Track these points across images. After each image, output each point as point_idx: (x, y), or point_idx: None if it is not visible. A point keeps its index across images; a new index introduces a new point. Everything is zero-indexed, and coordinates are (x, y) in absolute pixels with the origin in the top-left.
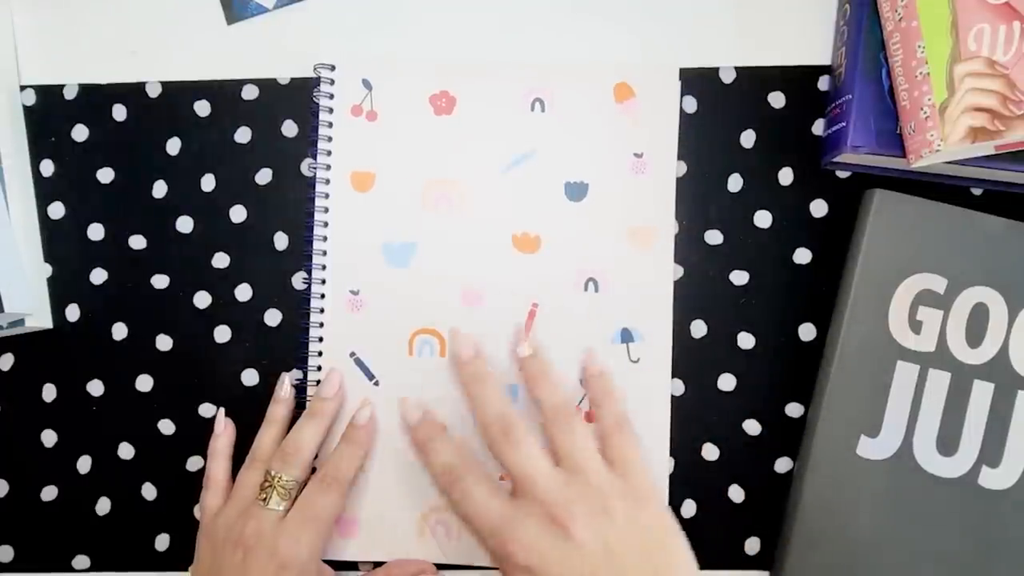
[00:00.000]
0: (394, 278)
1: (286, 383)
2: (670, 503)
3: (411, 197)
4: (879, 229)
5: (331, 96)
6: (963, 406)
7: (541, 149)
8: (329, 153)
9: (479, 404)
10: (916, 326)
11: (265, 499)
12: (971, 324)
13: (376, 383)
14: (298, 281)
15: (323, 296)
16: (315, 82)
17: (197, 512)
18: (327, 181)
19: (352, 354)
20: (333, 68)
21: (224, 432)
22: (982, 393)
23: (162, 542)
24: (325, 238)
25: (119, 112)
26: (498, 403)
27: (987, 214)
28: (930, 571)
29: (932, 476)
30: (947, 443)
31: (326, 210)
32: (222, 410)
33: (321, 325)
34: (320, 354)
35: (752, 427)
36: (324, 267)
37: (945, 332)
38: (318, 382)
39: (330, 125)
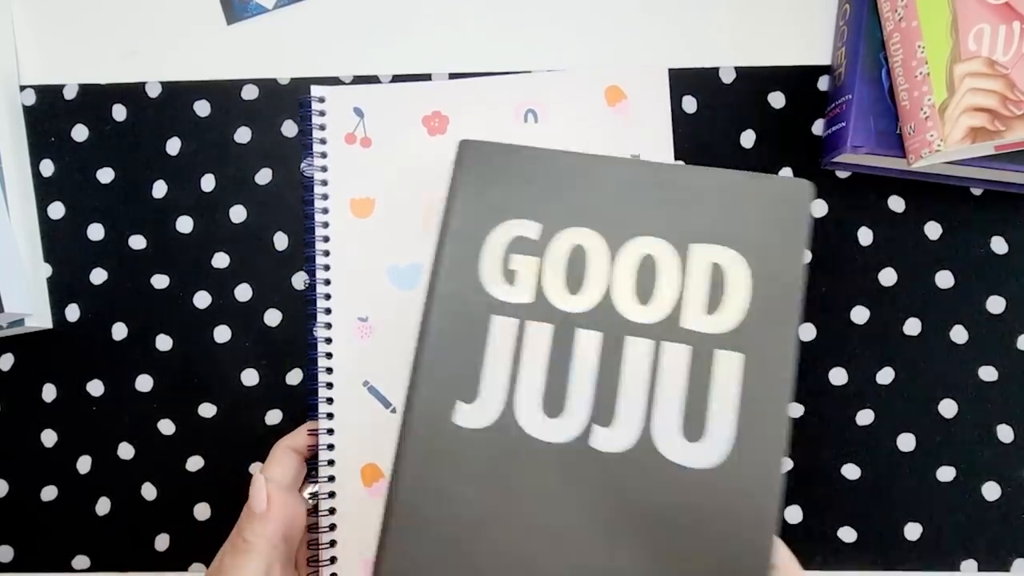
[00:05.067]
0: (403, 301)
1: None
2: None
3: (413, 219)
4: (469, 179)
5: (323, 127)
6: (568, 360)
7: None
8: (325, 183)
9: None
10: (510, 276)
11: None
12: (570, 269)
13: (393, 411)
14: (298, 281)
15: (329, 326)
16: (307, 109)
17: (197, 513)
18: (325, 211)
19: (365, 383)
20: (323, 100)
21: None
22: (588, 343)
23: (162, 542)
24: (328, 267)
25: (119, 112)
26: None
27: (573, 152)
28: (546, 549)
29: (539, 442)
30: (553, 402)
31: (327, 239)
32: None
33: (330, 356)
34: (330, 386)
35: None
36: (328, 296)
37: (542, 280)
38: (330, 415)
39: (324, 155)
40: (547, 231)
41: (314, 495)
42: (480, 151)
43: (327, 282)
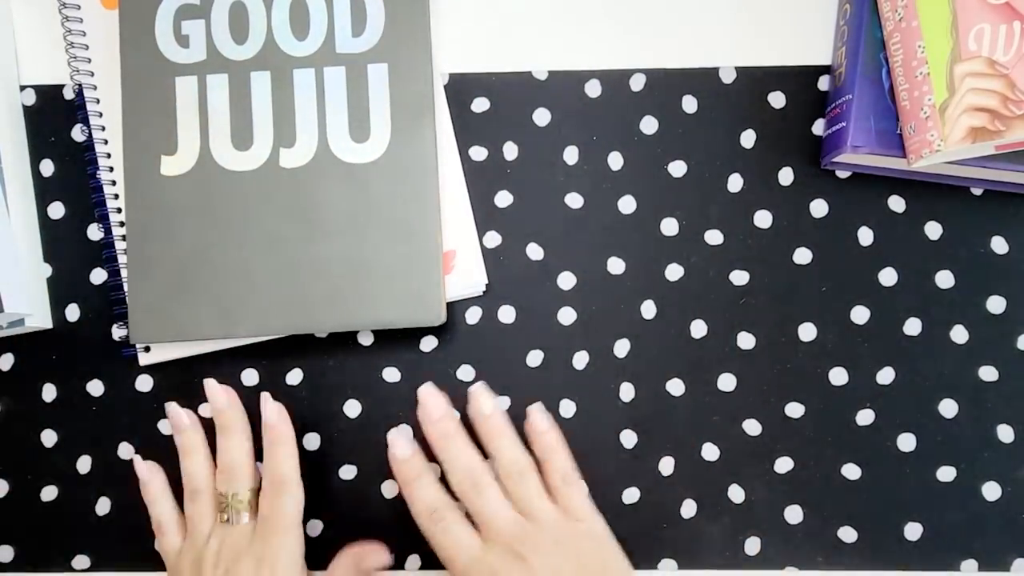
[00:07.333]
0: None
1: (183, 415)
2: (669, 503)
3: None
4: None
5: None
6: (247, 100)
7: None
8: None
9: (448, 459)
10: (184, 40)
11: (228, 519)
12: (233, 24)
13: None
14: None
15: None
16: None
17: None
18: (82, 24)
19: None
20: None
21: (153, 476)
22: (261, 83)
23: None
24: (92, 73)
25: None
26: (465, 458)
27: None
28: (261, 254)
29: (237, 173)
30: (241, 138)
31: (86, 46)
32: (138, 456)
33: (117, 197)
34: (122, 224)
35: (752, 427)
36: (101, 113)
37: (212, 38)
38: (123, 236)
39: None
40: None
41: None
42: None
43: (94, 86)
